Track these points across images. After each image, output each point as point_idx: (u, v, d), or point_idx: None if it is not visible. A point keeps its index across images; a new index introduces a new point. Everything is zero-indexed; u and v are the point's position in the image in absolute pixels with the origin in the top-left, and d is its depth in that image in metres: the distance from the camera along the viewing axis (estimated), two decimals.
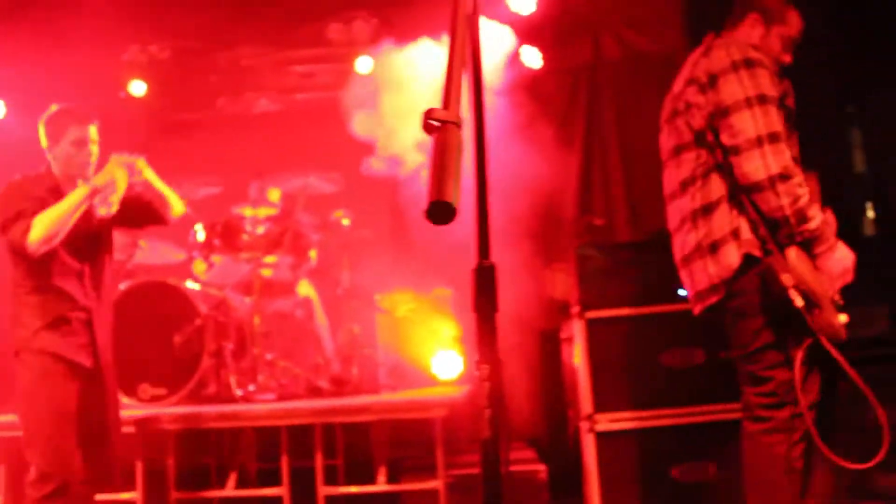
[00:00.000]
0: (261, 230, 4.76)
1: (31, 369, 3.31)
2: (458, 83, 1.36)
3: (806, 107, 3.01)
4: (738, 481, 3.68)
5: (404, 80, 5.22)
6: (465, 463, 4.40)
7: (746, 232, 2.74)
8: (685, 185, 2.92)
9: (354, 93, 5.93)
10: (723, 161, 2.79)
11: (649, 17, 5.91)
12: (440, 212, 1.23)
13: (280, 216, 5.03)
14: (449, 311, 4.84)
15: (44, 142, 3.48)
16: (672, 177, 3.04)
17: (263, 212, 4.89)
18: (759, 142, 2.66)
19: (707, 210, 2.82)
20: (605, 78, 6.01)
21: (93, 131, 3.50)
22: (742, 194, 2.75)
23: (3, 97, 6.11)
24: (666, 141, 3.10)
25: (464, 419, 4.91)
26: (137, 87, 6.29)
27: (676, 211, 3.01)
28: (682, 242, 2.96)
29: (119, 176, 3.40)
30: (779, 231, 2.70)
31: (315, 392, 4.51)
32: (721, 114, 2.74)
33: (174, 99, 6.36)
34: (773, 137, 2.67)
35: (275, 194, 4.97)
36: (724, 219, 2.78)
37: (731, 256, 2.74)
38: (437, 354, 4.79)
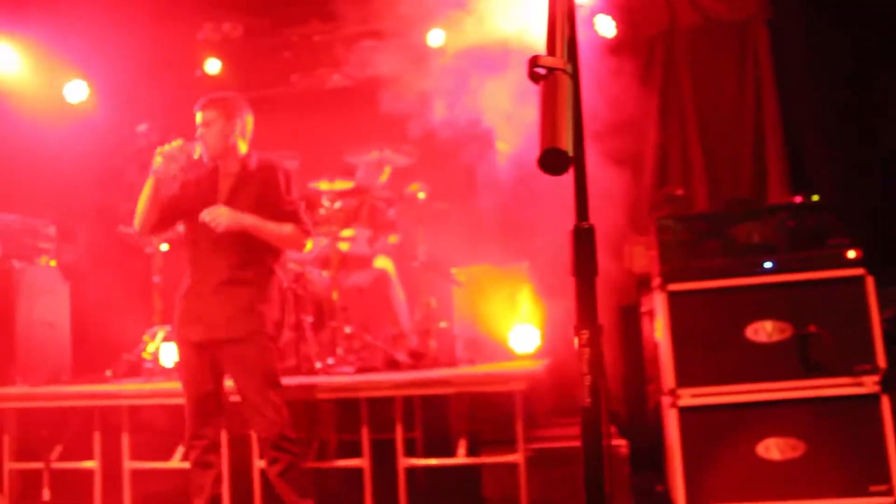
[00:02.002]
0: (338, 204, 4.78)
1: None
2: (562, 30, 1.30)
3: None
4: (830, 460, 3.58)
5: (478, 51, 5.18)
6: (544, 437, 4.38)
7: None
8: None
9: (427, 65, 5.91)
10: None
11: None
12: (554, 160, 1.17)
13: (356, 190, 5.05)
14: (526, 284, 4.79)
15: None
16: None
17: (340, 186, 4.91)
18: None
19: None
20: (680, 46, 5.85)
21: (198, 116, 3.65)
22: None
23: (87, 79, 6.26)
24: None
25: (542, 393, 4.88)
26: (212, 66, 6.38)
27: None
28: None
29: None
30: None
31: (393, 365, 4.53)
32: None
33: (248, 76, 6.42)
34: None
35: (351, 169, 5.00)
36: None
37: None
38: (515, 328, 4.76)
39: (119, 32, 5.97)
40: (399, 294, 5.02)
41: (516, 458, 3.89)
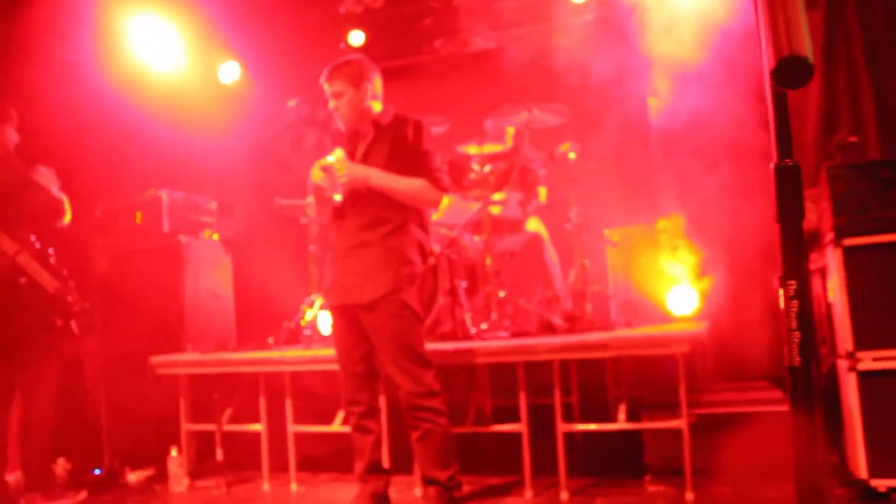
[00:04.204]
0: (487, 168, 4.72)
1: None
2: None
3: None
4: None
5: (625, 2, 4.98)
6: (706, 402, 4.20)
7: None
8: None
9: (573, 21, 5.74)
10: None
11: None
12: (794, 70, 1.00)
13: (506, 153, 4.98)
14: (683, 243, 4.58)
15: None
16: None
17: (489, 149, 4.86)
18: None
19: None
20: None
21: (326, 88, 3.68)
22: None
23: (238, 59, 6.47)
24: None
25: (703, 357, 4.69)
26: (356, 37, 6.44)
27: None
28: None
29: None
30: None
31: (548, 329, 4.45)
32: None
33: (391, 45, 6.45)
34: None
35: (500, 131, 4.92)
36: None
37: None
38: (673, 289, 4.57)
39: (265, 11, 6.13)
40: (552, 256, 4.92)
41: (679, 423, 3.73)
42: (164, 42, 6.09)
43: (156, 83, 6.01)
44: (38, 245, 4.36)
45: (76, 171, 5.10)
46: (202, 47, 6.26)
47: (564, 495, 3.86)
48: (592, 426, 4.07)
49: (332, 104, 3.67)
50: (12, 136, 4.46)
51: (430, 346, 3.78)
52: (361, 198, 3.59)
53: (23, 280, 4.23)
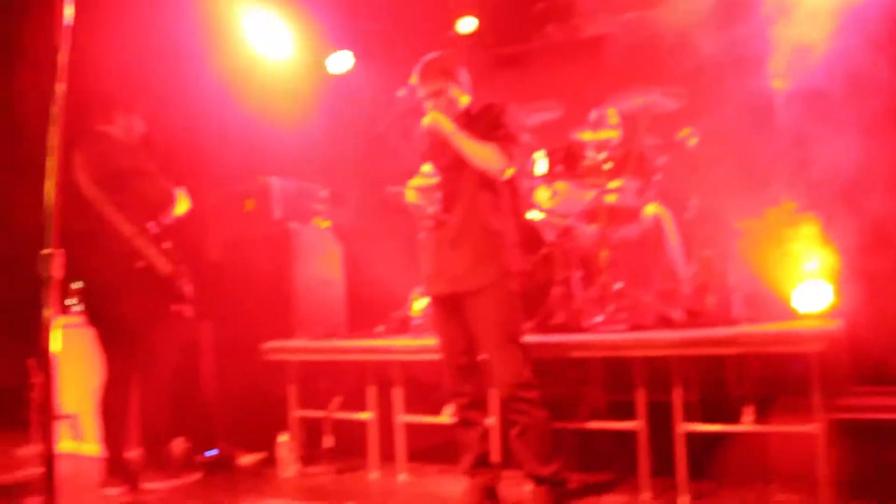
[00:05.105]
0: (603, 155, 4.55)
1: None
2: None
3: None
4: None
5: None
6: (844, 406, 3.91)
7: None
8: None
9: (687, 3, 5.48)
10: None
11: None
12: None
13: (622, 139, 4.79)
14: (816, 234, 4.29)
15: None
16: None
17: (605, 135, 4.68)
18: None
19: None
20: None
21: (420, 88, 3.63)
22: None
23: (348, 48, 6.48)
24: None
25: (837, 357, 4.38)
26: (467, 24, 6.35)
27: None
28: None
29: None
30: None
31: (666, 323, 4.24)
32: None
33: (502, 32, 6.34)
34: None
35: (615, 117, 4.73)
36: None
37: None
38: (802, 284, 4.28)
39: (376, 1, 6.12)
40: (674, 244, 4.69)
41: (813, 428, 3.48)
42: (273, 32, 6.17)
43: (266, 73, 6.09)
44: (154, 231, 4.46)
45: (194, 158, 5.21)
46: (310, 37, 6.30)
47: (685, 499, 3.67)
48: (716, 427, 3.85)
49: (428, 104, 3.58)
50: (138, 126, 4.59)
51: (541, 338, 3.66)
52: (464, 188, 3.52)
53: (140, 264, 4.34)
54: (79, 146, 4.40)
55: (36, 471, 4.40)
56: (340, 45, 6.44)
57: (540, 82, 5.44)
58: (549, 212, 4.66)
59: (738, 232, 4.60)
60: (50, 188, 2.51)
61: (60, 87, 2.56)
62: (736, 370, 4.51)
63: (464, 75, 3.67)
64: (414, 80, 3.63)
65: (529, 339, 3.90)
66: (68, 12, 2.58)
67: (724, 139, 4.85)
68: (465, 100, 3.65)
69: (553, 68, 5.76)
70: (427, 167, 3.60)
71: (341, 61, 6.49)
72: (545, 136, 4.79)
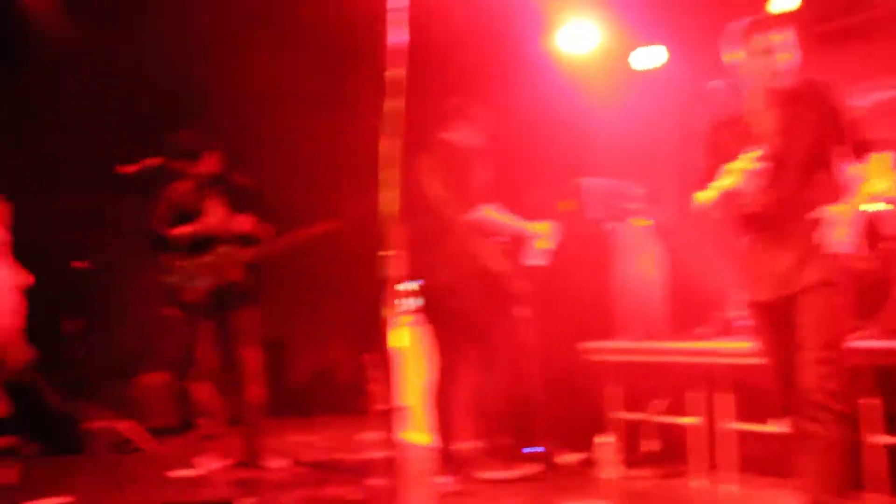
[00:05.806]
0: None
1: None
2: None
3: None
4: None
5: None
6: None
7: None
8: None
9: None
10: None
11: None
12: None
13: None
14: None
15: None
16: None
17: None
18: None
19: None
20: None
21: (773, 38, 3.22)
22: None
23: (665, 42, 6.31)
24: None
25: None
26: (783, 2, 5.86)
27: None
28: None
29: None
30: None
31: None
32: None
33: (827, 6, 5.77)
34: None
35: None
36: None
37: None
38: None
39: None
40: None
41: None
42: (580, 30, 6.21)
43: (573, 71, 6.14)
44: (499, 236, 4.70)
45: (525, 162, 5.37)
46: (617, 32, 6.24)
47: None
48: None
49: (779, 57, 3.19)
50: (470, 137, 4.80)
51: (880, 343, 3.26)
52: (788, 179, 3.20)
53: (479, 264, 4.61)
54: (425, 153, 4.72)
55: (376, 454, 4.84)
56: (646, 40, 6.29)
57: (872, 58, 4.85)
58: (892, 201, 4.13)
59: None
60: (386, 197, 2.73)
61: (390, 104, 2.77)
62: None
63: (793, 37, 3.24)
64: (732, 48, 3.33)
65: (867, 343, 3.55)
66: (400, 35, 2.79)
67: None
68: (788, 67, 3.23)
69: (887, 41, 5.10)
70: (746, 155, 3.25)
71: (649, 56, 6.33)
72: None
